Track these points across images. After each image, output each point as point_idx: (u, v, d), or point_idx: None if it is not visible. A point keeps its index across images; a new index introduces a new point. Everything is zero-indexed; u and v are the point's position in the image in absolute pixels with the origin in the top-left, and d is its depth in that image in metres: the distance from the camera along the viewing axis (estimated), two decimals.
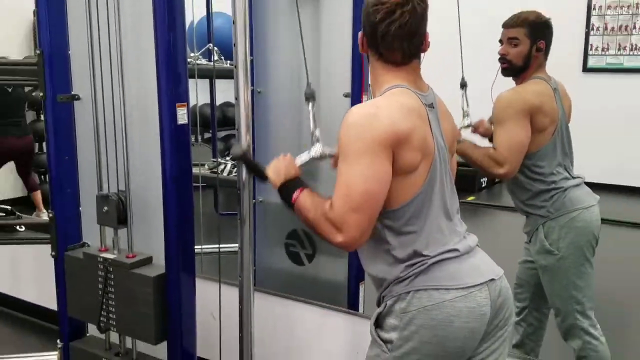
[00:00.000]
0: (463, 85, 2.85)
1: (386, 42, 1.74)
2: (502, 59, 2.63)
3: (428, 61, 1.91)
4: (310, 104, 2.18)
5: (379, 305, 1.83)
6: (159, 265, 2.31)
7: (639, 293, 4.05)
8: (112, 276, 2.33)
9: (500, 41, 2.63)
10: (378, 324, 1.80)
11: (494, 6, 2.71)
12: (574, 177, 2.65)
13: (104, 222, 2.38)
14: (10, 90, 5.14)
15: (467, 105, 2.80)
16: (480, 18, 2.91)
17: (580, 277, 2.62)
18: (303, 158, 2.06)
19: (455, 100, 2.68)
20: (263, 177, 2.00)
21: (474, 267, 1.76)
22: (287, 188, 1.85)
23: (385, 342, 1.76)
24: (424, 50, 1.79)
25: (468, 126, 2.77)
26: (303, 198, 1.79)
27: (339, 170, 1.69)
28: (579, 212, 2.60)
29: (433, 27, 1.82)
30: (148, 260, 2.34)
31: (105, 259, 2.35)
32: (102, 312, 2.38)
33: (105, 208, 2.33)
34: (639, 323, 3.67)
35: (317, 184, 2.79)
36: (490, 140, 2.66)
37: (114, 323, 2.37)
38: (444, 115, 1.85)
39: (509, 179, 2.65)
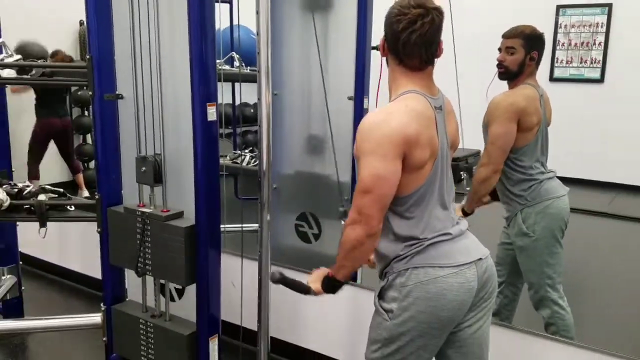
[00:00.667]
0: None
1: (407, 50, 1.69)
2: (500, 64, 2.61)
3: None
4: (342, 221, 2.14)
5: (381, 279, 1.82)
6: (190, 218, 2.31)
7: (600, 271, 4.06)
8: (149, 227, 2.33)
9: (499, 49, 2.62)
10: (381, 295, 1.80)
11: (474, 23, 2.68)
12: (548, 171, 2.65)
13: (141, 181, 2.37)
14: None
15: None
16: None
17: (552, 256, 2.62)
18: None
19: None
20: (307, 291, 1.92)
21: (464, 248, 1.75)
22: (327, 282, 1.83)
23: (387, 311, 1.75)
24: (438, 56, 1.76)
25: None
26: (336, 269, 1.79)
27: (358, 171, 1.68)
28: (552, 201, 2.60)
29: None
30: (180, 215, 2.34)
31: (142, 213, 2.35)
32: (140, 259, 2.38)
33: (144, 168, 2.32)
34: (599, 296, 3.69)
35: None
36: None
37: (150, 268, 2.37)
38: (449, 115, 1.83)
39: (494, 173, 2.62)
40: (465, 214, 2.75)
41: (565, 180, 2.75)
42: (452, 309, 1.70)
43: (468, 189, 2.76)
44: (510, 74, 2.59)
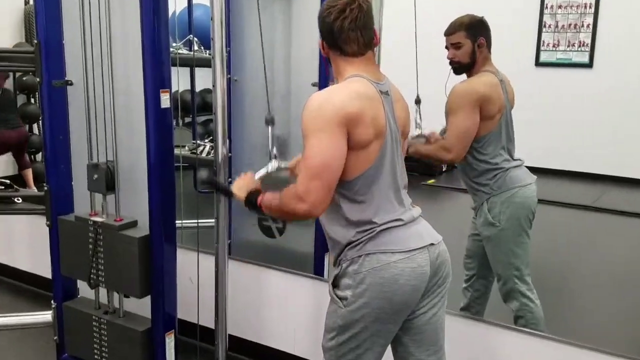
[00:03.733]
0: (417, 101, 3.01)
1: (343, 36, 1.92)
2: (451, 61, 2.82)
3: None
4: (270, 128, 2.44)
5: (335, 266, 2.01)
6: (144, 228, 2.46)
7: (570, 262, 4.29)
8: (102, 237, 2.48)
9: (447, 47, 2.82)
10: (335, 284, 1.98)
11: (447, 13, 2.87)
12: (514, 159, 2.85)
13: (94, 189, 2.51)
14: (1, 92, 5.37)
15: (420, 118, 2.96)
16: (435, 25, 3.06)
17: (519, 246, 2.83)
18: (261, 172, 2.28)
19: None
20: (230, 195, 2.20)
21: (416, 234, 1.94)
22: (250, 198, 2.05)
23: (341, 299, 1.94)
24: (376, 44, 1.98)
25: (421, 136, 2.91)
26: (266, 197, 1.99)
27: (302, 149, 1.86)
28: (518, 189, 2.80)
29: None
30: (134, 224, 2.48)
31: (95, 222, 2.49)
32: (92, 270, 2.52)
33: (95, 176, 2.46)
34: (567, 288, 3.91)
35: None
36: None
37: (103, 279, 2.52)
38: (398, 102, 2.02)
39: (456, 163, 2.84)
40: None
41: (551, 172, 2.94)
42: (405, 294, 1.89)
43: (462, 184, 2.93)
44: (464, 67, 2.80)
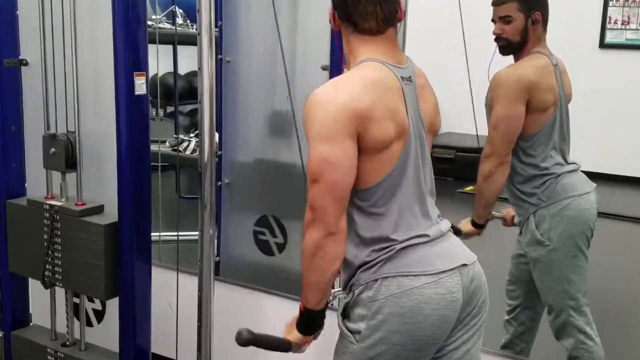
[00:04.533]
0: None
1: (359, 9, 1.90)
2: (498, 38, 2.80)
3: None
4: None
5: (345, 292, 2.00)
6: (111, 214, 2.45)
7: (638, 291, 4.25)
8: (59, 225, 2.46)
9: (493, 20, 2.81)
10: (345, 314, 1.97)
11: None
12: (568, 163, 2.83)
13: (50, 166, 2.50)
14: None
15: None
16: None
17: (574, 271, 2.81)
18: None
19: None
20: (287, 346, 2.05)
21: (445, 252, 1.93)
22: (302, 321, 1.99)
23: (353, 332, 1.92)
24: (400, 20, 1.96)
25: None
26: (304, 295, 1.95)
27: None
28: (572, 200, 2.78)
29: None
30: (99, 209, 2.48)
31: (51, 207, 2.48)
32: (47, 266, 2.51)
33: (53, 149, 2.44)
34: (634, 322, 3.87)
35: None
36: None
37: (60, 277, 2.50)
38: (423, 90, 2.01)
39: (496, 171, 2.80)
40: (477, 226, 2.93)
41: (615, 179, 2.92)
42: (431, 327, 1.88)
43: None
44: (514, 45, 2.78)
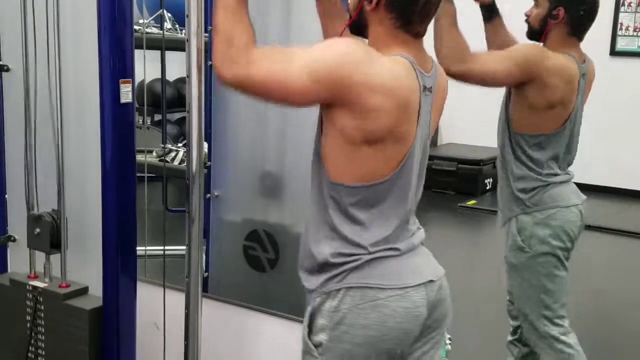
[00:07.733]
0: None
1: (425, 9, 1.88)
2: (526, 19, 2.92)
3: None
4: None
5: (308, 298, 2.02)
6: (96, 296, 2.47)
7: (623, 308, 4.28)
8: (43, 308, 2.47)
9: None
10: (309, 325, 1.99)
11: None
12: (563, 174, 2.92)
13: (35, 246, 2.52)
14: None
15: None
16: None
17: (552, 280, 2.88)
18: None
19: None
20: None
21: (414, 266, 1.96)
22: None
23: (316, 345, 1.95)
24: None
25: None
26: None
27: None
28: (557, 210, 2.87)
29: None
30: (84, 291, 2.50)
31: (34, 288, 2.49)
32: (30, 349, 2.52)
33: (37, 230, 2.46)
34: (618, 342, 3.90)
35: None
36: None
37: None
38: (437, 102, 2.02)
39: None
40: None
41: (625, 194, 2.97)
42: (394, 340, 1.91)
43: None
44: (533, 32, 2.90)
